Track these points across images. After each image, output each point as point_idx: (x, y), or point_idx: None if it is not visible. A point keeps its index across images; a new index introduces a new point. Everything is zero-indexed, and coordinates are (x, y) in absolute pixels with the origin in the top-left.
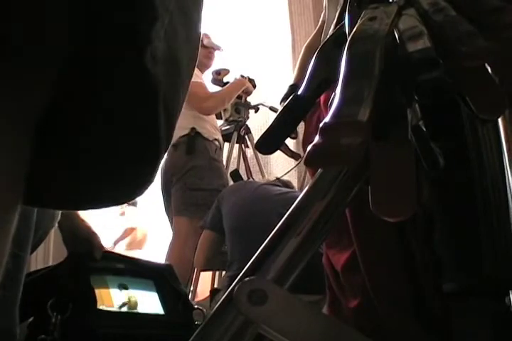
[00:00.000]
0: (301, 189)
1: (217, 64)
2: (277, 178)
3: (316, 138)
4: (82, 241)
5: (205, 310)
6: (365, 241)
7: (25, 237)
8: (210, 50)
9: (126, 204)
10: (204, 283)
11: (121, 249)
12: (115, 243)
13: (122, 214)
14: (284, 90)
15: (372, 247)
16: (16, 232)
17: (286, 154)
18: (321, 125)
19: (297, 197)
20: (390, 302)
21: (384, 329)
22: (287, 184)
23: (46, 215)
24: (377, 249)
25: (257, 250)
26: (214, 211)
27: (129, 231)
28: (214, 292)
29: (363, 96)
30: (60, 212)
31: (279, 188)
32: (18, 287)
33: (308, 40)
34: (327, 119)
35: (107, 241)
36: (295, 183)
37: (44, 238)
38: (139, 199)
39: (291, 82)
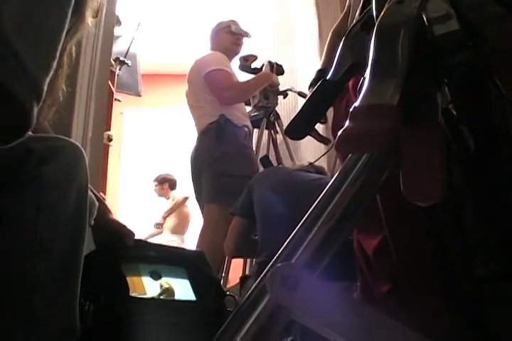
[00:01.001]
0: (332, 175)
1: (244, 50)
2: (310, 163)
3: (346, 123)
4: (113, 234)
5: (236, 297)
6: (395, 226)
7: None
8: (238, 36)
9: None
10: (236, 270)
11: (166, 233)
12: (165, 216)
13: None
14: (312, 75)
15: (403, 232)
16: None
17: (316, 139)
18: (350, 110)
19: (326, 183)
20: (420, 286)
21: (416, 314)
22: (320, 170)
23: None
24: (407, 234)
25: (288, 237)
26: (244, 197)
27: (181, 202)
28: (244, 279)
29: (393, 80)
30: (96, 209)
31: (310, 174)
32: (77, 278)
33: (335, 24)
34: (357, 104)
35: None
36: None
37: None
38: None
39: (318, 66)
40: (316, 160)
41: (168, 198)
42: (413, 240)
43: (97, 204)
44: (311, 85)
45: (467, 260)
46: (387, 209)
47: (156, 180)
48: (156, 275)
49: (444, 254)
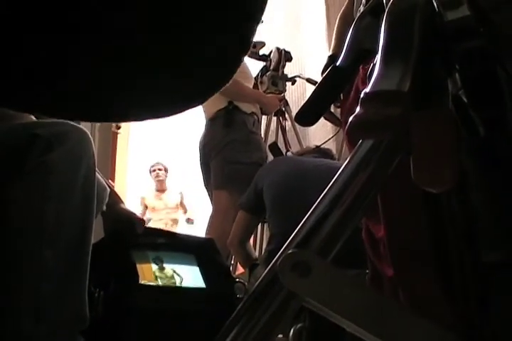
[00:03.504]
0: (339, 159)
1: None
2: (317, 146)
3: (357, 109)
4: (123, 222)
5: (246, 284)
6: (393, 217)
7: (89, 216)
8: None
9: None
10: None
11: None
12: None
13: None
14: (320, 61)
15: (401, 224)
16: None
17: (334, 123)
18: (361, 96)
19: (334, 168)
20: (421, 275)
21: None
22: (327, 152)
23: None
24: (408, 223)
25: (297, 225)
26: (250, 192)
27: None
28: (253, 266)
29: (404, 66)
30: (108, 195)
31: (313, 160)
32: (85, 266)
33: (342, 9)
34: (367, 90)
35: None
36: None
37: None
38: None
39: (326, 53)
40: (322, 143)
41: (165, 190)
42: (414, 228)
43: (108, 189)
44: (323, 71)
45: (473, 244)
46: (387, 197)
47: (163, 168)
48: (165, 263)
49: (447, 238)
